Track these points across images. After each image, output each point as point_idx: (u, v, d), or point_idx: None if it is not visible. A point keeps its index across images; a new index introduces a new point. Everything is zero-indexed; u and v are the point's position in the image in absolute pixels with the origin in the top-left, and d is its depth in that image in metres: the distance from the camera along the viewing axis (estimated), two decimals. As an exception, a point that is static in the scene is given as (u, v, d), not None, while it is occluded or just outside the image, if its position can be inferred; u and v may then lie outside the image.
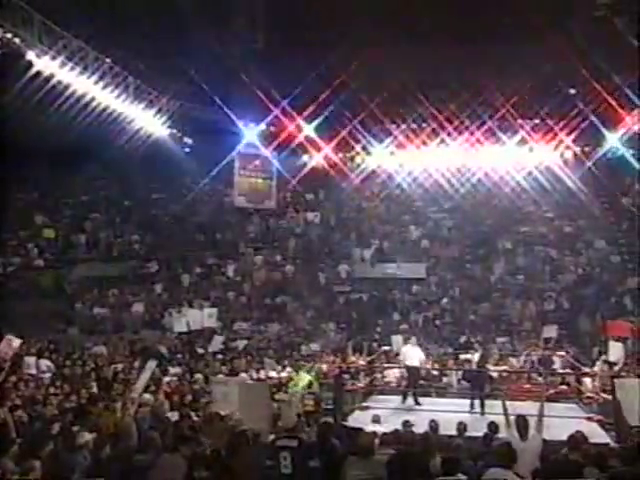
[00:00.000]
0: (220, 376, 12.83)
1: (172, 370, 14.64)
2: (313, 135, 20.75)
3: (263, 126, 20.98)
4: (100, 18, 14.22)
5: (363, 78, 16.11)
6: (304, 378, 13.54)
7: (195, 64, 16.53)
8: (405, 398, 13.42)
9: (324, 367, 14.82)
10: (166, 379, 13.22)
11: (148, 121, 19.67)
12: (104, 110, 17.63)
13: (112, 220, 24.47)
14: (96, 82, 16.66)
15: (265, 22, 16.12)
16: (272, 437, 7.02)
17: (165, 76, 17.95)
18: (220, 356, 16.14)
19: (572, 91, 16.83)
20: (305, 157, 22.69)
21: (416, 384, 13.68)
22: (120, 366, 14.64)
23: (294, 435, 6.78)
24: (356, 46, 14.78)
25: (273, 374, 14.73)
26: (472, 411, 12.40)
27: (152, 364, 10.05)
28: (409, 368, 13.81)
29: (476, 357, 14.28)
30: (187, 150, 23.28)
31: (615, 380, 11.05)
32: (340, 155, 22.36)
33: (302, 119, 19.78)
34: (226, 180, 22.51)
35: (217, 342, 16.66)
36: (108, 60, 16.63)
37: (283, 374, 14.71)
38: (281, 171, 21.76)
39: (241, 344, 17.96)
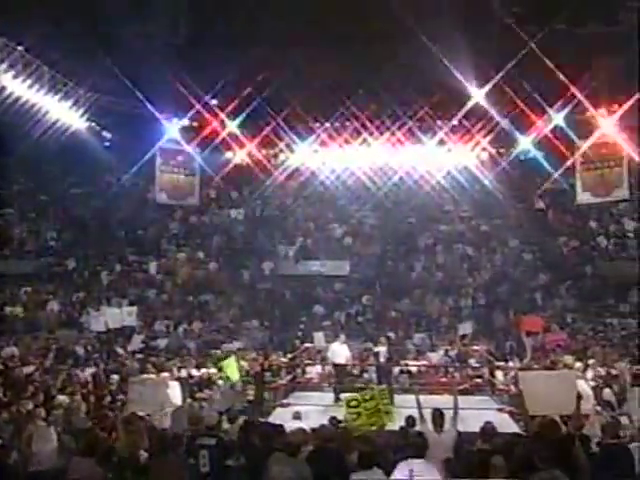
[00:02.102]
0: (145, 376, 12.62)
1: (89, 370, 14.25)
2: (236, 132, 20.58)
3: (185, 121, 20.62)
4: (10, 4, 13.56)
5: (286, 76, 16.11)
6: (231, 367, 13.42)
7: (114, 56, 16.07)
8: (337, 395, 13.46)
9: (246, 364, 14.81)
10: (83, 380, 12.90)
11: (65, 113, 18.98)
12: (16, 100, 16.88)
13: (26, 215, 23.51)
14: (6, 71, 15.93)
15: (187, 16, 15.82)
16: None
17: (82, 67, 17.34)
18: (140, 355, 15.85)
19: (476, 95, 17.42)
20: (229, 154, 22.50)
21: (343, 381, 13.82)
22: (32, 367, 14.09)
23: (213, 433, 6.78)
24: (278, 43, 14.75)
25: (195, 372, 14.57)
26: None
27: None
28: (336, 366, 13.97)
29: (383, 350, 14.57)
30: (107, 144, 22.64)
31: (519, 373, 11.58)
32: (264, 152, 22.30)
33: (225, 115, 19.59)
34: (147, 176, 21.99)
35: (136, 341, 16.36)
36: (20, 48, 15.92)
37: (204, 370, 14.60)
38: (204, 167, 21.48)
39: (162, 343, 17.71)
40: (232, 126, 20.19)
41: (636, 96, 16.53)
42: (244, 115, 19.29)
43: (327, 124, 20.87)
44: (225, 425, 9.21)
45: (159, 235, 23.20)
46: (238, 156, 22.27)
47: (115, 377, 13.13)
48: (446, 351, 16.82)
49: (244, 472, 6.55)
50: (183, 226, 23.76)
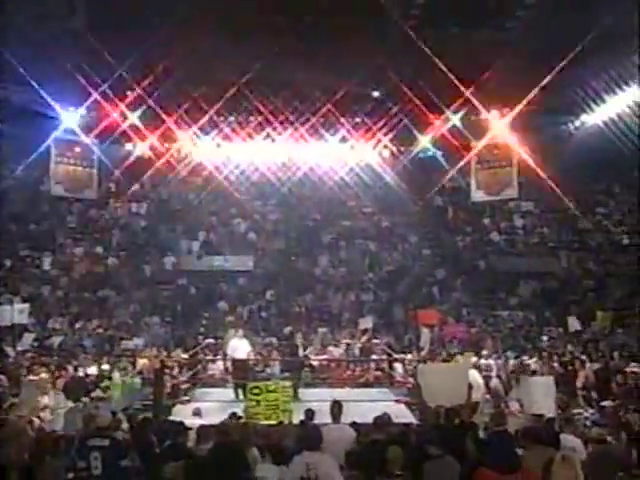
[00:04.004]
0: (32, 376, 12.06)
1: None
2: (137, 123, 19.97)
3: (83, 111, 19.78)
4: None
5: (187, 67, 15.80)
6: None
7: (4, 39, 15.16)
8: (237, 392, 13.38)
9: (146, 362, 14.52)
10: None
11: (-53, 100, 17.74)
12: None
13: None
14: None
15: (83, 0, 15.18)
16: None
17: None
18: (30, 354, 15.15)
19: (376, 94, 17.89)
20: (129, 146, 21.86)
21: (244, 376, 13.76)
22: None
23: (106, 434, 6.58)
24: (179, 35, 14.41)
25: (92, 371, 14.11)
26: (295, 400, 12.74)
27: None
28: (235, 361, 13.91)
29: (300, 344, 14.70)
30: (-3, 134, 21.35)
31: (418, 365, 12.04)
32: (166, 145, 21.83)
33: (125, 106, 18.96)
34: (42, 167, 20.99)
35: (27, 339, 15.62)
36: None
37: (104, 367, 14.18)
38: (103, 160, 20.72)
39: (56, 341, 17.00)
40: (133, 118, 19.58)
41: (525, 100, 17.50)
42: (145, 107, 18.76)
43: (231, 118, 20.74)
44: (123, 425, 8.98)
45: (54, 229, 22.21)
46: (139, 149, 21.67)
47: (2, 378, 12.49)
48: (347, 345, 17.14)
49: (140, 473, 6.41)
50: (81, 220, 22.89)
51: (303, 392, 13.15)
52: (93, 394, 12.42)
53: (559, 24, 14.75)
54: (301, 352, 14.46)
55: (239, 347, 13.86)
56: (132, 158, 21.69)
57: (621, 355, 14.01)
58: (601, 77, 18.18)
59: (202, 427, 7.62)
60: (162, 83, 16.93)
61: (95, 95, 17.81)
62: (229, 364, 14.54)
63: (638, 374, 11.81)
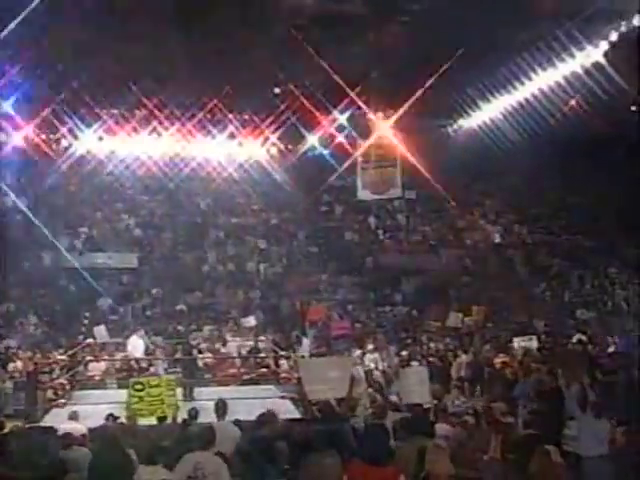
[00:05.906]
0: None
1: None
2: (11, 112, 18.79)
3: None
4: None
5: (65, 56, 15.03)
6: None
7: None
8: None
9: (19, 364, 13.76)
10: None
11: None
12: None
13: None
14: None
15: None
16: None
17: None
18: None
19: (277, 90, 17.95)
20: (2, 136, 20.56)
21: (140, 375, 13.35)
22: None
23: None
24: (56, 20, 13.63)
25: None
26: (187, 399, 12.50)
27: None
28: (137, 360, 13.57)
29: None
30: None
31: (298, 360, 12.20)
32: (43, 137, 20.73)
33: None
34: None
35: None
36: None
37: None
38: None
39: None
40: (6, 106, 18.41)
41: (408, 102, 18.16)
42: (18, 94, 17.68)
43: (114, 110, 20.02)
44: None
45: None
46: (13, 139, 20.42)
47: None
48: (242, 342, 16.99)
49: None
50: (-53, 214, 21.28)
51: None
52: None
53: (441, 29, 15.33)
54: (195, 351, 14.28)
55: (138, 346, 13.54)
56: (6, 149, 20.41)
57: (491, 347, 14.88)
58: (475, 84, 19.23)
59: (69, 431, 7.38)
60: (40, 71, 16.02)
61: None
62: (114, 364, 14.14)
63: (505, 365, 12.57)
